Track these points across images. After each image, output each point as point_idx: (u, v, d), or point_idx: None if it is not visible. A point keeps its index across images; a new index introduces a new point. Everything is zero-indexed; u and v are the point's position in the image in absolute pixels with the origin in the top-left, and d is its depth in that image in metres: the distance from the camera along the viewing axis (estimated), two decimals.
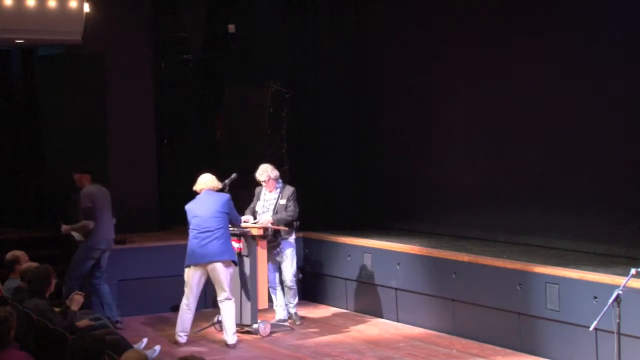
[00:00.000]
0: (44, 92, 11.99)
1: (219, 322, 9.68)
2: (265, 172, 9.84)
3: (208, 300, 10.78)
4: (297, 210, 9.83)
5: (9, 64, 13.00)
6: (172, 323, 9.91)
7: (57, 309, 7.78)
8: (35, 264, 7.94)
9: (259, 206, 9.96)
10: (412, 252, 10.05)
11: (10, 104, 12.94)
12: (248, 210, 9.98)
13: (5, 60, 12.93)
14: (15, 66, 13.03)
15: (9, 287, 7.99)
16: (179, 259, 10.53)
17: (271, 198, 9.91)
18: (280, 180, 9.95)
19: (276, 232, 9.87)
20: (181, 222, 11.74)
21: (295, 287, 10.10)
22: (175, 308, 10.52)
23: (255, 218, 9.91)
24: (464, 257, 9.43)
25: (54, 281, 7.85)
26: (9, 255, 8.47)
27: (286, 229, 9.85)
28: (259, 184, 9.94)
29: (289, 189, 9.89)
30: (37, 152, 12.27)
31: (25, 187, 12.64)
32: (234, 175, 9.75)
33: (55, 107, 11.80)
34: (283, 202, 9.83)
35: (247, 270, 9.61)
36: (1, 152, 12.73)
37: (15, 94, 13.00)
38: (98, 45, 11.46)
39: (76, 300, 7.99)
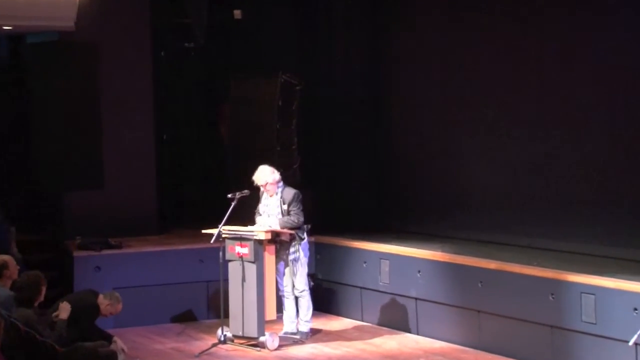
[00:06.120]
0: (34, 82, 11.99)
1: (225, 336, 9.70)
2: (263, 176, 9.78)
3: (210, 311, 10.83)
4: (302, 215, 9.76)
5: None
6: (172, 334, 9.99)
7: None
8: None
9: (261, 210, 9.95)
10: (434, 258, 10.02)
11: None
12: (256, 214, 9.97)
13: None
14: (3, 55, 13.06)
15: None
16: (180, 265, 10.80)
17: (272, 203, 9.86)
18: (281, 184, 9.88)
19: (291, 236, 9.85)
20: (182, 225, 11.95)
21: (307, 296, 10.06)
22: (176, 318, 10.61)
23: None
24: (491, 264, 9.39)
25: (44, 289, 7.92)
26: None
27: (294, 232, 9.81)
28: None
29: (290, 193, 9.82)
30: (27, 148, 12.28)
31: (14, 186, 12.62)
32: (245, 192, 9.78)
33: (45, 99, 11.79)
34: (285, 207, 9.78)
35: (253, 277, 9.60)
36: None
37: (3, 85, 12.96)
38: (93, 32, 11.43)
39: (64, 308, 8.16)
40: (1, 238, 10.06)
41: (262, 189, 9.89)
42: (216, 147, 12.60)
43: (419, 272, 10.13)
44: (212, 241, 9.65)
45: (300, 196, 9.86)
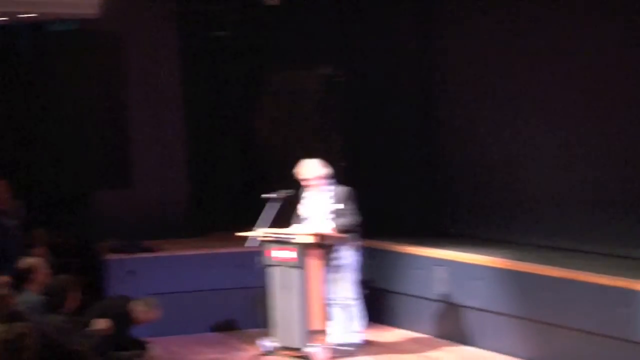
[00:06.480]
0: (55, 73, 11.99)
1: (269, 347, 9.62)
2: (312, 169, 9.64)
3: (254, 320, 10.61)
4: (357, 215, 9.64)
5: (14, 42, 12.87)
6: (212, 344, 9.99)
7: None
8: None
9: (302, 210, 9.77)
10: (496, 265, 9.81)
11: (16, 87, 12.81)
12: (296, 216, 9.81)
13: (10, 37, 12.79)
14: (22, 45, 12.91)
15: (25, 300, 7.91)
16: (218, 270, 10.80)
17: (319, 203, 9.69)
18: (331, 181, 9.74)
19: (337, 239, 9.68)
20: (220, 227, 11.99)
21: (358, 305, 9.87)
22: (216, 327, 10.63)
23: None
24: (560, 272, 9.14)
25: (74, 294, 7.88)
26: (23, 263, 8.46)
27: (347, 236, 9.63)
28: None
29: (343, 191, 9.69)
30: (47, 143, 12.20)
31: (34, 184, 12.45)
32: (283, 192, 9.68)
33: (67, 91, 11.84)
34: (337, 207, 9.61)
35: (297, 284, 9.46)
36: (3, 141, 12.59)
37: (22, 76, 12.86)
38: (116, 20, 11.41)
39: (103, 323, 8.28)
40: (17, 242, 9.93)
41: (305, 186, 9.69)
42: (251, 144, 12.60)
43: (480, 279, 9.94)
44: (246, 244, 9.52)
45: (354, 194, 9.68)
